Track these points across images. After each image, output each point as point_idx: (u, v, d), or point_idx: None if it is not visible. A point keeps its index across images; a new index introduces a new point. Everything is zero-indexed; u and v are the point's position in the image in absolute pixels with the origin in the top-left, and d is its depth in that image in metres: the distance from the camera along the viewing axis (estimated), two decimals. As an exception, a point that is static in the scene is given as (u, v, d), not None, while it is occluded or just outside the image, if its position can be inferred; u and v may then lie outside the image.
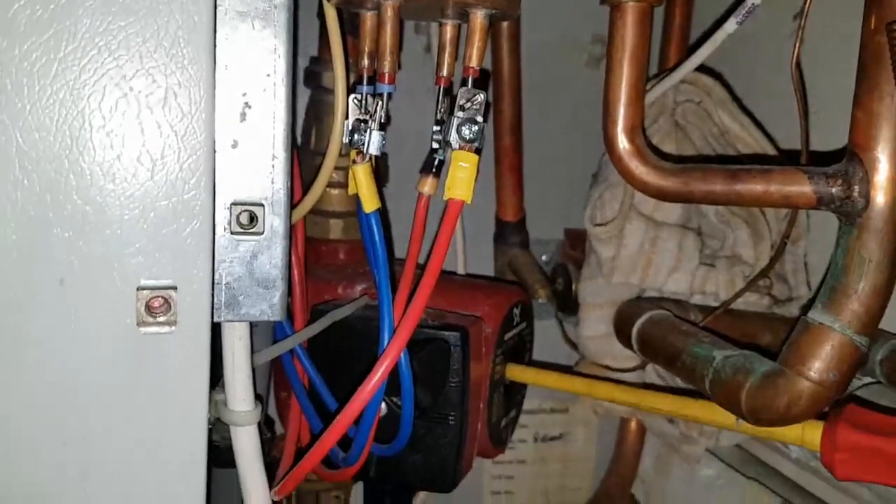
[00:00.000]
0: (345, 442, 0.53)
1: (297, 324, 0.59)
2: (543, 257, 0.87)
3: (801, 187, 0.48)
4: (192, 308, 0.39)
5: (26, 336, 0.37)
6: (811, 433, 0.51)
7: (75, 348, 0.38)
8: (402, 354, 0.47)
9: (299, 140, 0.70)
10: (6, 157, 0.35)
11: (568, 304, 0.81)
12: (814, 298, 0.49)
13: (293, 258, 0.59)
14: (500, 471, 0.90)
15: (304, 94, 0.69)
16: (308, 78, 0.67)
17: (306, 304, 0.61)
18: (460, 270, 0.80)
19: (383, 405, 0.56)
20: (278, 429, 0.69)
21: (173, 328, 0.39)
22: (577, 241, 0.83)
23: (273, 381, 0.68)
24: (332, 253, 0.70)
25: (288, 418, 0.60)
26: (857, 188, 0.46)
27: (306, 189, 0.58)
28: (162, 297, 0.38)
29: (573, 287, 0.80)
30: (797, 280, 0.70)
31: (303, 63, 0.69)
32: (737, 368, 0.53)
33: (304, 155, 0.67)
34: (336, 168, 0.64)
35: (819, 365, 0.48)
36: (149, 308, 0.38)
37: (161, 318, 0.38)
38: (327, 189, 0.66)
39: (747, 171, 0.50)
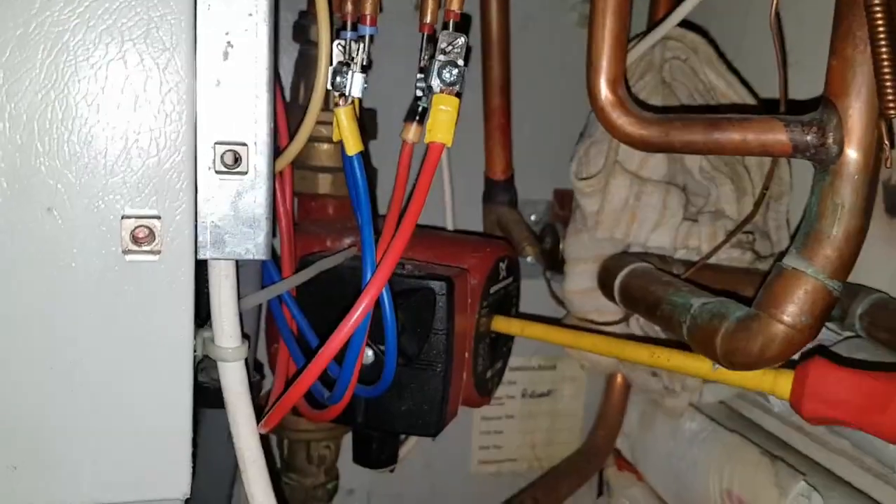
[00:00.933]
0: (331, 386, 0.54)
1: (286, 274, 0.61)
2: (532, 217, 0.88)
3: (778, 135, 0.49)
4: (176, 237, 0.40)
5: (15, 260, 0.39)
6: (782, 381, 0.51)
7: (64, 273, 0.39)
8: (385, 292, 0.49)
9: (288, 96, 0.70)
10: (-7, 85, 0.37)
11: (555, 263, 0.82)
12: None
13: (281, 210, 0.60)
14: (489, 426, 0.92)
15: (293, 50, 0.70)
16: (296, 32, 0.68)
17: (294, 255, 0.62)
18: (449, 228, 0.81)
19: (370, 352, 0.57)
20: (267, 378, 0.70)
21: (157, 257, 0.40)
22: (565, 201, 0.84)
23: (266, 334, 0.70)
24: (321, 208, 0.70)
25: (277, 361, 0.61)
26: (831, 135, 0.47)
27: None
28: (147, 226, 0.40)
29: (561, 247, 0.81)
30: (780, 236, 0.71)
31: (292, 18, 0.70)
32: (713, 314, 0.54)
33: (292, 110, 0.68)
34: (324, 123, 0.65)
35: (792, 309, 0.49)
36: (134, 238, 0.40)
37: (146, 248, 0.40)
38: (316, 144, 0.68)
39: (726, 120, 0.51)
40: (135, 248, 0.40)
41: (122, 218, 0.39)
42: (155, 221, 0.40)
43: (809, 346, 0.61)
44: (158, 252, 0.40)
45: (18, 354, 0.40)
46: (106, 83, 0.38)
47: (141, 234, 0.40)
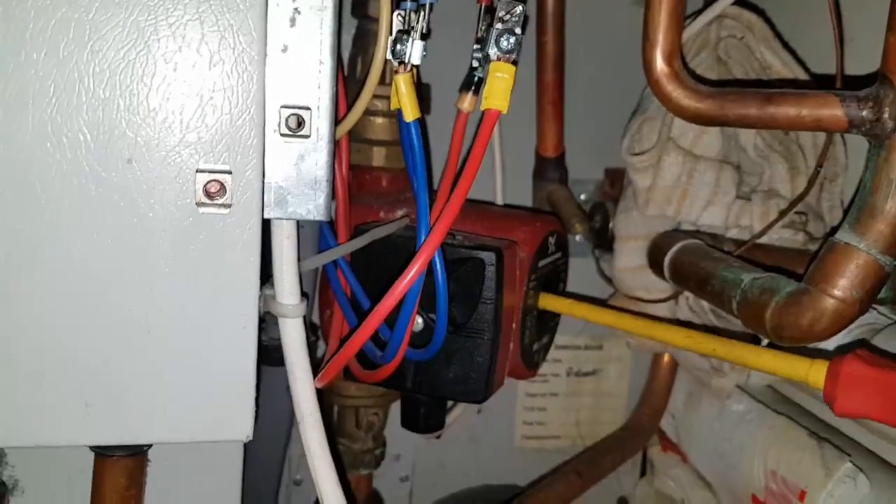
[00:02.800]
0: (383, 348, 0.56)
1: (341, 241, 0.62)
2: (582, 196, 0.88)
3: (833, 110, 0.49)
4: (245, 192, 0.43)
5: (97, 208, 0.41)
6: (816, 372, 0.50)
7: (142, 222, 0.42)
8: (437, 254, 0.50)
9: (345, 70, 0.72)
10: (80, 41, 0.39)
11: (604, 242, 0.82)
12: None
13: (338, 177, 0.61)
14: (533, 403, 0.93)
15: (351, 26, 0.72)
16: (355, 7, 0.70)
17: (349, 224, 0.64)
18: (499, 203, 0.82)
19: (419, 319, 0.59)
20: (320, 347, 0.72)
21: (228, 210, 0.42)
22: (616, 180, 0.85)
23: (319, 302, 0.72)
24: (374, 181, 0.72)
25: (331, 327, 0.63)
26: (887, 111, 0.47)
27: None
28: (219, 181, 0.42)
29: (610, 225, 0.82)
30: (833, 217, 0.71)
31: (351, -7, 0.72)
32: (763, 289, 0.54)
33: (350, 84, 0.70)
34: (380, 97, 0.67)
35: (843, 283, 0.49)
36: (207, 192, 0.42)
37: (218, 201, 0.42)
38: (371, 117, 0.69)
39: (781, 95, 0.51)
40: (207, 201, 0.42)
41: (197, 172, 0.42)
42: (226, 176, 0.42)
43: (857, 331, 0.61)
44: (229, 206, 0.42)
45: (96, 297, 0.43)
46: (183, 42, 0.41)
47: (213, 188, 0.42)
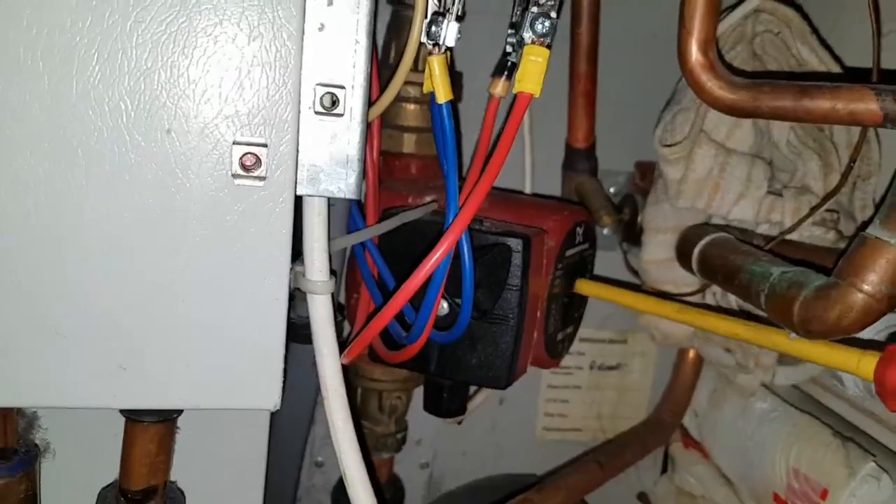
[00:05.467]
0: (408, 330, 0.57)
1: (370, 224, 0.63)
2: (612, 189, 0.88)
3: (868, 104, 0.49)
4: (280, 166, 0.43)
5: (136, 176, 0.42)
6: (867, 363, 0.50)
7: (179, 192, 0.43)
8: (464, 236, 0.51)
9: (379, 56, 0.73)
10: (124, 11, 0.40)
11: (632, 235, 0.82)
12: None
13: (368, 159, 0.62)
14: (555, 395, 0.93)
15: (385, 14, 0.72)
16: (391, -6, 0.70)
17: (378, 208, 0.64)
18: (528, 193, 0.82)
19: (445, 304, 0.59)
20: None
21: (262, 183, 0.43)
22: (646, 173, 0.84)
23: (346, 285, 0.73)
24: (404, 167, 0.73)
25: (357, 310, 0.64)
26: (923, 105, 0.46)
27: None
28: (254, 154, 0.43)
29: (639, 218, 0.82)
30: (864, 216, 0.70)
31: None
32: (792, 282, 0.54)
33: (382, 71, 0.70)
34: (412, 83, 0.67)
35: (873, 278, 0.48)
36: (242, 164, 0.43)
37: (253, 174, 0.43)
38: (403, 104, 0.70)
39: (816, 88, 0.51)
40: (243, 173, 0.43)
41: (233, 144, 0.43)
42: (262, 150, 0.43)
43: (886, 330, 0.60)
44: (264, 178, 0.43)
45: (133, 263, 0.44)
46: (224, 16, 0.41)
47: (248, 161, 0.43)
